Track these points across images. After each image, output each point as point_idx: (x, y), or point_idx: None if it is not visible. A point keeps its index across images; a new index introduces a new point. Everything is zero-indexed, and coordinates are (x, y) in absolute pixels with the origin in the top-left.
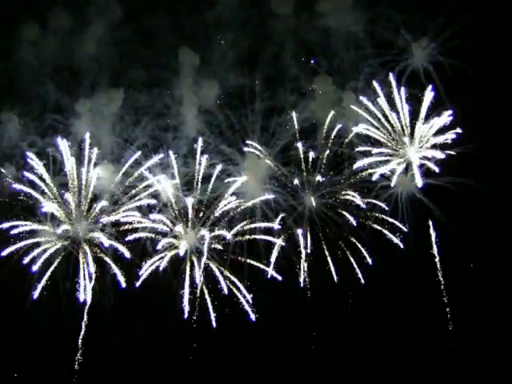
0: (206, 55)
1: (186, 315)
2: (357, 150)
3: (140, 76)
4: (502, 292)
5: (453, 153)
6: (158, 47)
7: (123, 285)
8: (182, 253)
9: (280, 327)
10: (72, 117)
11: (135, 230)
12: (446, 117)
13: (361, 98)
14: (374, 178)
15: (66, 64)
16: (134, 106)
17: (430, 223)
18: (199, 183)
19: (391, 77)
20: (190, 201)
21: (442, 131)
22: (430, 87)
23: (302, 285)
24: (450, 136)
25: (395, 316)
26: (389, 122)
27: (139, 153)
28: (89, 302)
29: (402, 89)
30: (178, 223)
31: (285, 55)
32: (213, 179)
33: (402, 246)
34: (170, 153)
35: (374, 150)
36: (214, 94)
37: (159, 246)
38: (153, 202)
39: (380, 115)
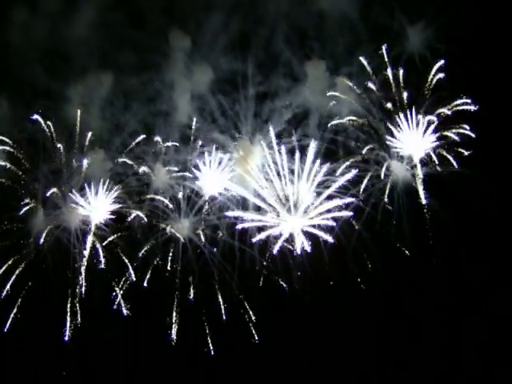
0: (197, 39)
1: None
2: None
3: (130, 60)
4: (496, 291)
5: (465, 152)
6: (148, 30)
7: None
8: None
9: (276, 328)
10: (62, 102)
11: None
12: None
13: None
14: (361, 190)
15: (56, 48)
16: (124, 91)
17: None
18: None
19: (384, 51)
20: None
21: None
22: (440, 63)
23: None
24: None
25: (394, 315)
26: (384, 109)
27: (142, 136)
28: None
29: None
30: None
31: (277, 39)
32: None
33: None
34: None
35: (365, 150)
36: (206, 79)
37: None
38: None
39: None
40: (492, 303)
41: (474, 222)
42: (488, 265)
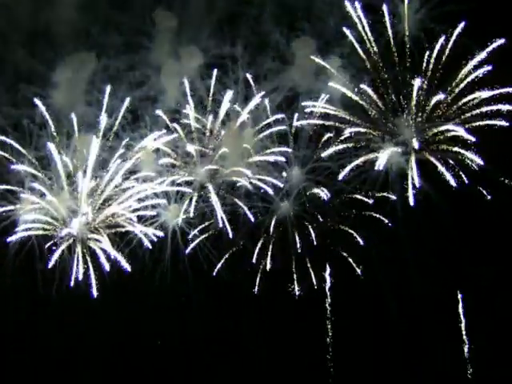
0: (183, 20)
1: None
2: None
3: (117, 43)
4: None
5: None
6: (133, 11)
7: None
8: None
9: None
10: (46, 86)
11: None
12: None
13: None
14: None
15: (40, 30)
16: (110, 75)
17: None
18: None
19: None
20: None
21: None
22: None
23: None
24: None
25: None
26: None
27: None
28: None
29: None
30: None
31: (266, 19)
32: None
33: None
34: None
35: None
36: (195, 63)
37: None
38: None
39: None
40: (498, 305)
41: (478, 220)
42: (494, 266)
